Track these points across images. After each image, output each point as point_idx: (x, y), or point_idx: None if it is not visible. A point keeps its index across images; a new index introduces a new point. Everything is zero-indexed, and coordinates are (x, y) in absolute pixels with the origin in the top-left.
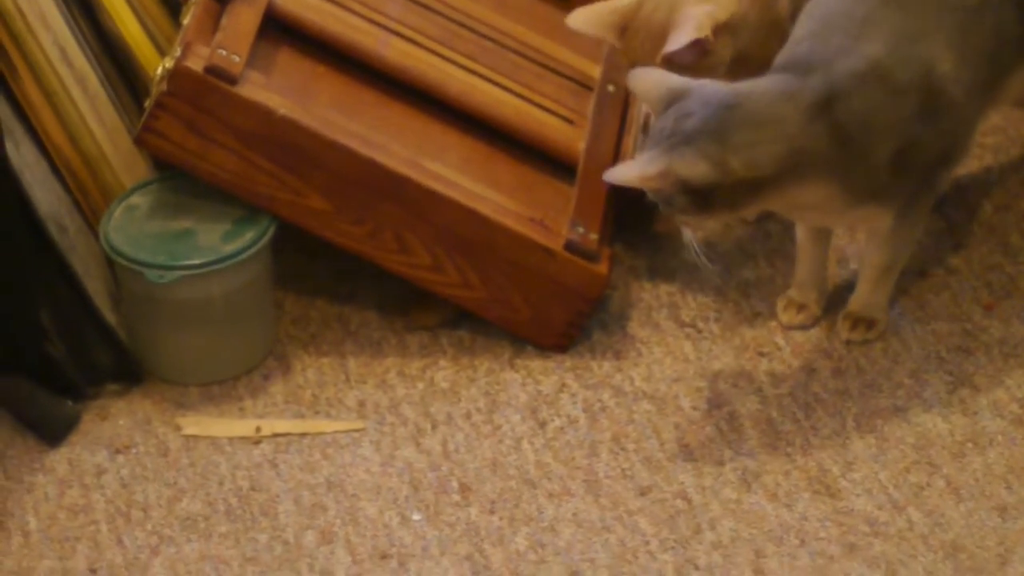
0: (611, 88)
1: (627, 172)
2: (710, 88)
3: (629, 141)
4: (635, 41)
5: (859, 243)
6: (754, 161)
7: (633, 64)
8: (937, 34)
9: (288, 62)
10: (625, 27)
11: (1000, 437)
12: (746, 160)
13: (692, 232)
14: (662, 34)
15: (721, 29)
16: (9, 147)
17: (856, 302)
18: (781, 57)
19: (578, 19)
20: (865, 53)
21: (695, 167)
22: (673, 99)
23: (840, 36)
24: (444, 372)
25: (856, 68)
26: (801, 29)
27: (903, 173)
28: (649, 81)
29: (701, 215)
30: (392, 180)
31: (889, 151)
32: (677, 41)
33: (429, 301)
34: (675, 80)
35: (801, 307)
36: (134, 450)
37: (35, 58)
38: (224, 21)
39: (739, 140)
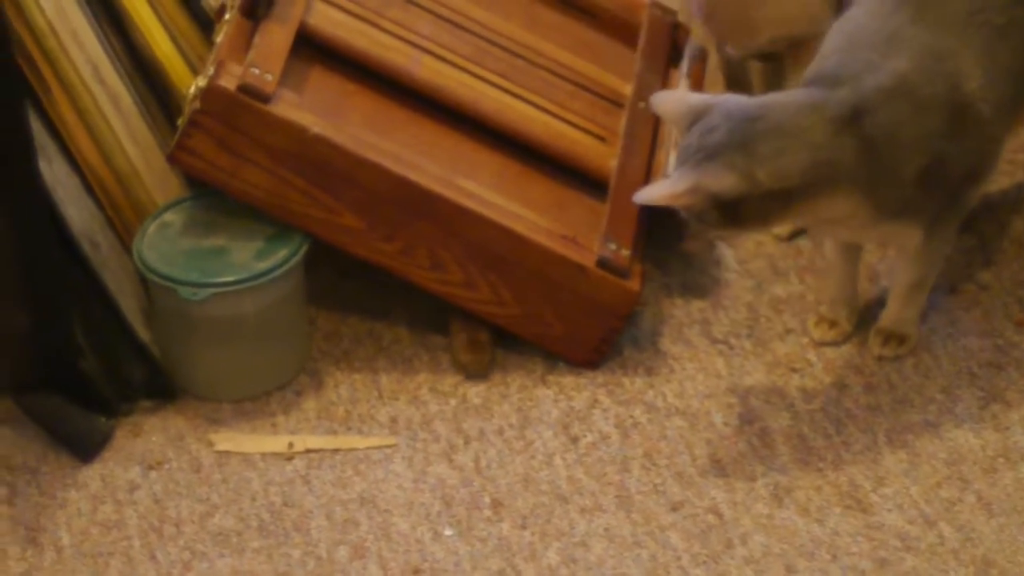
0: (643, 105)
1: (657, 192)
2: (733, 101)
3: (661, 158)
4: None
5: (889, 259)
6: (780, 172)
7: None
8: (965, 51)
9: (320, 80)
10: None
11: None
12: (772, 171)
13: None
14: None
15: None
16: (42, 164)
17: (887, 318)
18: (809, 72)
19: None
20: (893, 69)
21: (723, 180)
22: (696, 117)
23: (868, 52)
24: (476, 388)
25: (884, 83)
26: (829, 45)
27: (931, 189)
28: (671, 101)
29: (733, 229)
30: (424, 198)
31: (916, 167)
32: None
33: (476, 345)
34: (696, 98)
35: (832, 323)
36: (167, 466)
37: (68, 76)
38: (256, 39)
39: (765, 151)
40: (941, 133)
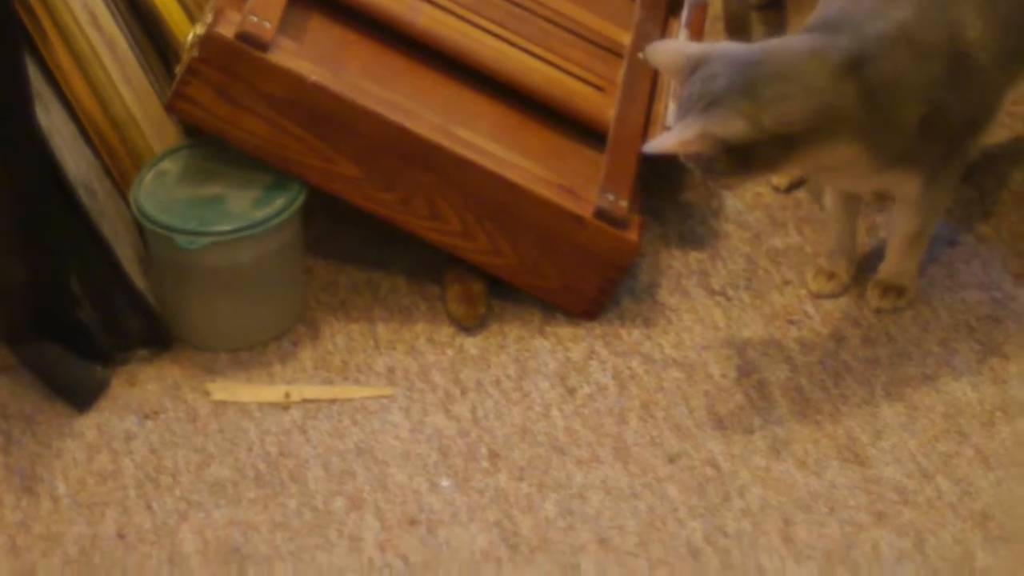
0: (641, 56)
1: (665, 141)
2: (733, 49)
3: (660, 108)
4: None
5: (888, 211)
6: (784, 116)
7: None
8: (965, 1)
9: (319, 29)
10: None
11: None
12: (776, 115)
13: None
14: None
15: None
16: (39, 112)
17: (886, 270)
18: (811, 19)
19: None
20: (894, 16)
21: (730, 125)
22: (694, 66)
23: (869, 0)
24: (473, 339)
25: (885, 31)
26: None
27: (931, 138)
28: (667, 51)
29: (742, 175)
30: (423, 147)
31: (916, 115)
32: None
33: (469, 297)
34: (693, 47)
35: (831, 275)
36: (163, 416)
37: (65, 22)
38: None
39: (768, 95)
40: (941, 81)
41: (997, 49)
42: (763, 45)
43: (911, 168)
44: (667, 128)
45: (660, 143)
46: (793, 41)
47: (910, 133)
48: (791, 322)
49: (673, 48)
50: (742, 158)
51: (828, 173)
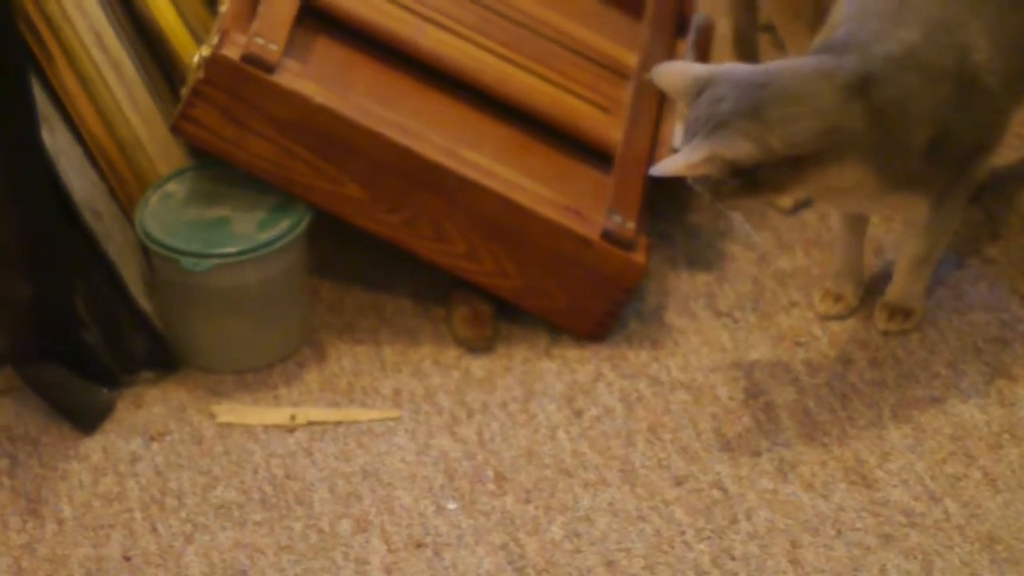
0: (648, 77)
1: (673, 164)
2: (739, 70)
3: (666, 130)
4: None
5: (896, 233)
6: (792, 137)
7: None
8: (973, 23)
9: (325, 50)
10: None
11: None
12: (784, 136)
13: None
14: None
15: None
16: (44, 133)
17: (893, 292)
18: (818, 40)
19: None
20: (901, 39)
21: (738, 147)
22: (700, 87)
23: (877, 21)
24: (480, 361)
25: (892, 53)
26: (838, 14)
27: (939, 161)
28: (673, 73)
29: (749, 197)
30: (428, 169)
31: (924, 137)
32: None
33: (477, 319)
34: (699, 68)
35: (838, 297)
36: (168, 438)
37: (71, 44)
38: (261, 9)
39: (775, 116)
40: (949, 104)
41: (1005, 71)
42: (769, 67)
43: (919, 191)
44: (674, 150)
45: (668, 166)
46: (800, 63)
47: (917, 156)
48: (798, 344)
49: (679, 70)
50: (749, 180)
51: (835, 196)
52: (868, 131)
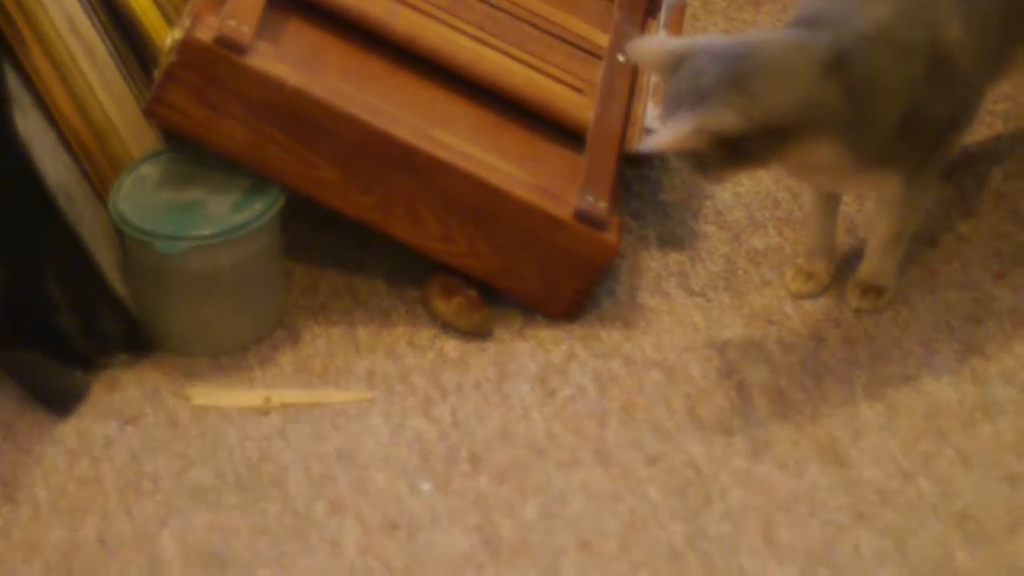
0: (621, 58)
1: (661, 139)
2: (717, 42)
3: (638, 109)
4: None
5: (868, 211)
6: (773, 108)
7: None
8: (945, 0)
9: (297, 32)
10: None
11: (1010, 406)
12: (766, 106)
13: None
14: None
15: None
16: (17, 117)
17: (865, 270)
18: (792, 15)
19: (636, 51)
20: (874, 15)
21: (723, 118)
22: (677, 61)
23: None
24: (454, 342)
25: (865, 30)
26: None
27: (911, 138)
28: (650, 49)
29: (735, 168)
30: (401, 150)
31: (897, 114)
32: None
33: (467, 306)
34: (676, 43)
35: (810, 275)
36: (143, 421)
37: (43, 28)
38: None
39: (758, 87)
40: (922, 81)
41: (977, 48)
42: (747, 38)
43: (891, 168)
44: (647, 129)
45: (656, 142)
46: (777, 35)
47: (891, 133)
48: (771, 323)
49: (655, 44)
50: (732, 152)
51: (809, 173)
52: (843, 107)
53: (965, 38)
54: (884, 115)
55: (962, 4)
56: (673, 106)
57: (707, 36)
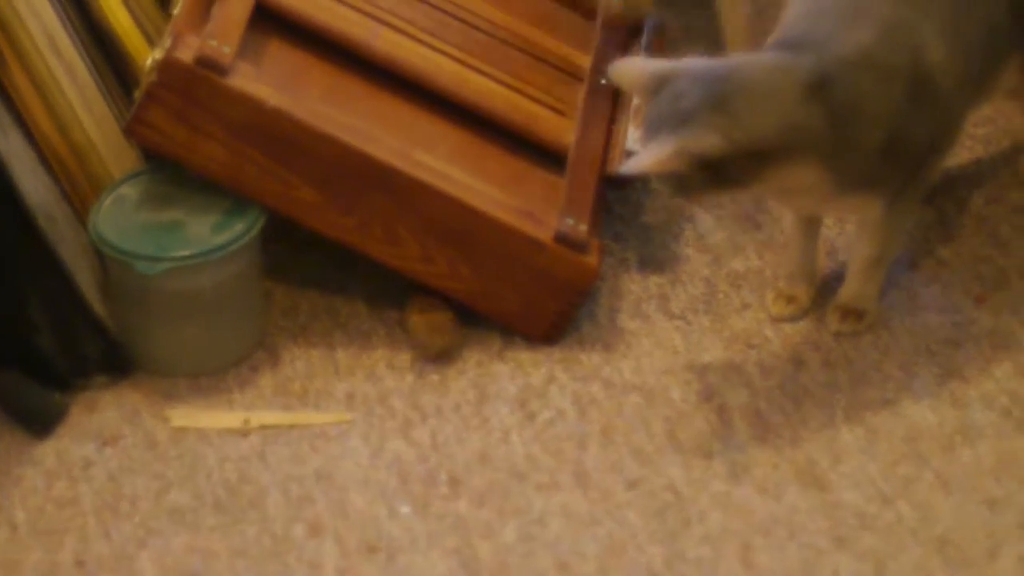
0: (603, 81)
1: (642, 161)
2: (699, 64)
3: (619, 132)
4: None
5: (848, 234)
6: (755, 130)
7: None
8: (927, 23)
9: (278, 53)
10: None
11: (989, 430)
12: (748, 129)
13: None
14: None
15: None
16: None
17: (846, 293)
18: (773, 36)
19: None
20: (856, 39)
21: (705, 139)
22: (659, 83)
23: (831, 21)
24: (433, 364)
25: (847, 54)
26: (794, 9)
27: (893, 162)
28: (632, 71)
29: (716, 191)
30: (382, 171)
31: (879, 138)
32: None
33: (440, 326)
34: (658, 65)
35: (791, 299)
36: (122, 442)
37: (24, 47)
38: (214, 11)
39: (740, 109)
40: (904, 105)
41: (959, 72)
42: (729, 61)
43: (873, 192)
44: (629, 151)
45: (637, 163)
46: (760, 58)
47: (872, 157)
48: (751, 346)
49: (637, 66)
50: (714, 174)
51: (790, 196)
52: (825, 132)
53: (947, 61)
54: (866, 139)
55: (945, 27)
56: (654, 128)
57: (689, 59)
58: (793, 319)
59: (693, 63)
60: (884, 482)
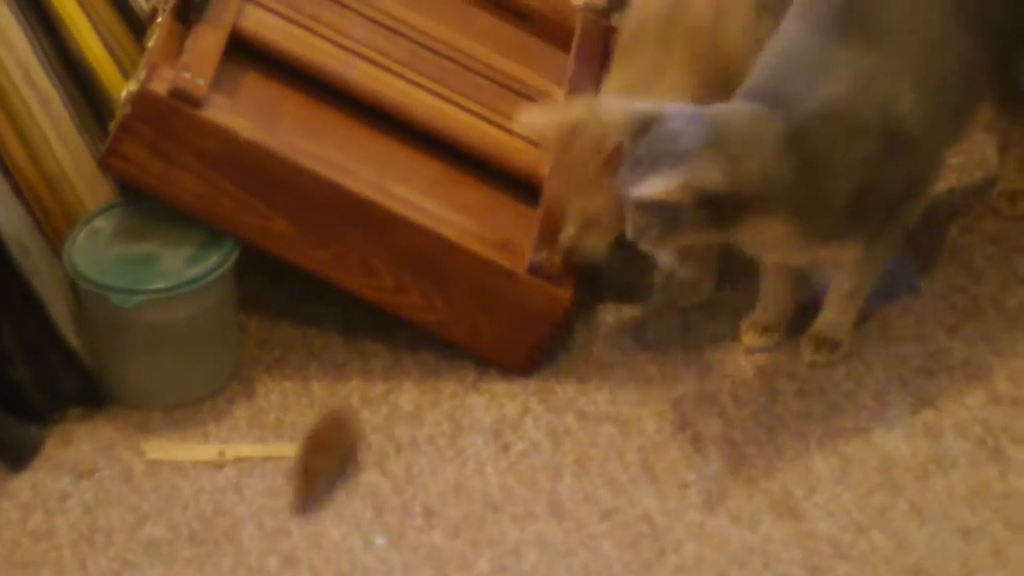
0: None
1: (648, 190)
2: (688, 108)
3: None
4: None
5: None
6: (747, 174)
7: (570, 177)
8: (898, 72)
9: (253, 85)
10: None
11: (963, 459)
12: (742, 171)
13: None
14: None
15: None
16: None
17: (821, 323)
18: (745, 86)
19: (531, 122)
20: (828, 93)
21: (709, 175)
22: (643, 124)
23: (802, 73)
24: (408, 395)
25: (817, 108)
26: (764, 61)
27: (865, 212)
28: (617, 110)
29: (702, 232)
30: (356, 204)
31: (848, 191)
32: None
33: (327, 443)
34: (643, 106)
35: (765, 329)
36: (97, 475)
37: (2, 73)
38: (189, 43)
39: (736, 152)
40: (875, 157)
41: (932, 117)
42: (715, 109)
43: (844, 241)
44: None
45: (647, 190)
46: (741, 107)
47: (839, 212)
48: (725, 376)
49: (621, 106)
50: (708, 213)
51: (761, 249)
52: (794, 185)
53: (920, 108)
54: (834, 194)
55: (918, 74)
56: (643, 166)
57: (674, 103)
58: (766, 349)
59: (683, 107)
60: (858, 511)
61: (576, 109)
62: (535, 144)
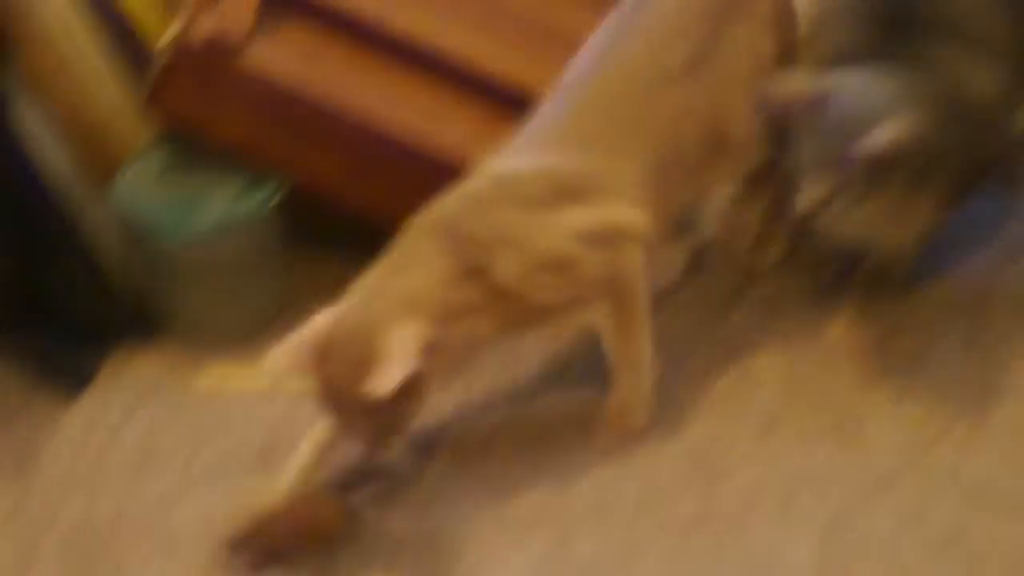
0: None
1: (877, 142)
2: (856, 77)
3: None
4: (330, 370)
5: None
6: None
7: (331, 398)
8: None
9: (292, 30)
10: (321, 357)
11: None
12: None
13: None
14: (362, 362)
15: (431, 344)
16: (18, 113)
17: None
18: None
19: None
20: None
21: (919, 125)
22: (822, 96)
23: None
24: None
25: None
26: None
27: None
28: (793, 85)
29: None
30: (398, 147)
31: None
32: (382, 384)
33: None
34: (816, 80)
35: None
36: (151, 404)
37: (42, 25)
38: None
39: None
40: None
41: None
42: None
43: None
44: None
45: (871, 144)
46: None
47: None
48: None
49: (797, 81)
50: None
51: None
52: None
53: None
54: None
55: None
56: (846, 132)
57: (833, 75)
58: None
59: (850, 76)
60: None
61: (318, 322)
62: None
